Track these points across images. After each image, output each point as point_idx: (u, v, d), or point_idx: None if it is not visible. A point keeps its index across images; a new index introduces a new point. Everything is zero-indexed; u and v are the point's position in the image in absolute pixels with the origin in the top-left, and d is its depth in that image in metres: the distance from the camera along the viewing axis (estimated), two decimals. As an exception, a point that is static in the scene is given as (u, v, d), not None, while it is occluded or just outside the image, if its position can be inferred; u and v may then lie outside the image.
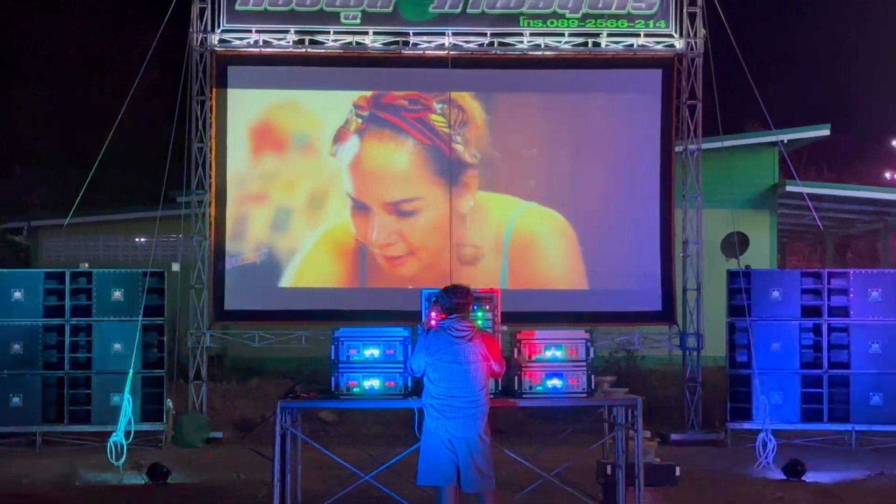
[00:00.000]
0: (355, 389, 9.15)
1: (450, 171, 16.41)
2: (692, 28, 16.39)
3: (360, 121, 16.60)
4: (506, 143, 16.88)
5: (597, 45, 16.52)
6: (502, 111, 16.98)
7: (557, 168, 16.97)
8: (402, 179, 16.69)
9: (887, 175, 32.91)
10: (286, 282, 16.64)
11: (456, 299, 8.70)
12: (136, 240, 23.12)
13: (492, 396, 8.81)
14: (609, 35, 16.46)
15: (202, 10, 16.22)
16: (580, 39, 16.51)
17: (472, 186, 16.65)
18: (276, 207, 16.72)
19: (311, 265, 16.70)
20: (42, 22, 37.38)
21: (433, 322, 8.91)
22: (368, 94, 16.69)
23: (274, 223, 16.69)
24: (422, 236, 16.61)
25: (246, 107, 16.74)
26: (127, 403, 13.62)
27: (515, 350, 9.33)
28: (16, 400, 14.72)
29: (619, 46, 16.55)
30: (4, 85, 36.35)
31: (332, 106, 16.89)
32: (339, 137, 16.61)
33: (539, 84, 16.93)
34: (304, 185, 16.76)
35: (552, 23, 16.44)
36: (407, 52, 16.59)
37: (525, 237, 16.75)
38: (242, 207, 16.61)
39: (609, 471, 9.73)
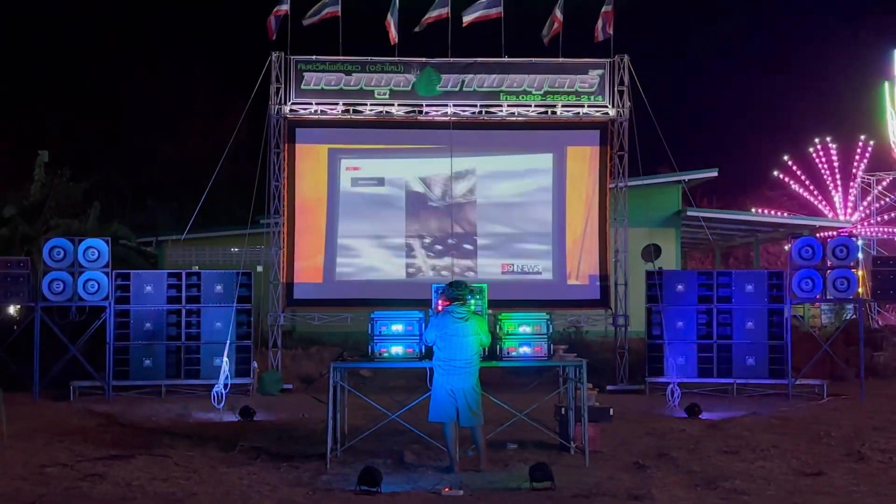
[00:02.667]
0: (385, 354, 9.12)
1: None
2: (620, 101, 16.41)
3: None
4: (490, 183, 16.95)
5: (554, 112, 16.55)
6: (488, 164, 17.04)
7: (529, 200, 16.95)
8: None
9: (755, 210, 32.97)
10: (338, 278, 16.64)
11: (457, 291, 8.73)
12: (232, 249, 23.10)
13: (481, 359, 8.83)
14: (563, 106, 16.49)
15: (277, 89, 16.27)
16: (542, 109, 16.53)
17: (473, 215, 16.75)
18: (331, 227, 16.71)
19: (352, 268, 16.71)
20: (169, 100, 37.79)
21: (440, 307, 8.93)
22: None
23: (329, 238, 16.69)
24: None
25: (309, 156, 16.74)
26: (225, 364, 13.68)
27: (497, 327, 9.32)
28: (147, 362, 14.75)
29: (570, 114, 16.57)
30: (143, 144, 36.66)
31: (368, 154, 16.93)
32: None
33: (513, 140, 16.95)
34: (351, 209, 16.80)
35: (523, 97, 16.46)
36: (421, 118, 16.62)
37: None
38: (306, 226, 16.60)
39: (563, 411, 9.73)
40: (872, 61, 31.44)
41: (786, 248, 27.97)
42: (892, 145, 28.08)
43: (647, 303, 15.16)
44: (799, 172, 33.14)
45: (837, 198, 32.35)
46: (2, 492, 7.66)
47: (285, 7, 16.30)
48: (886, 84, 26.96)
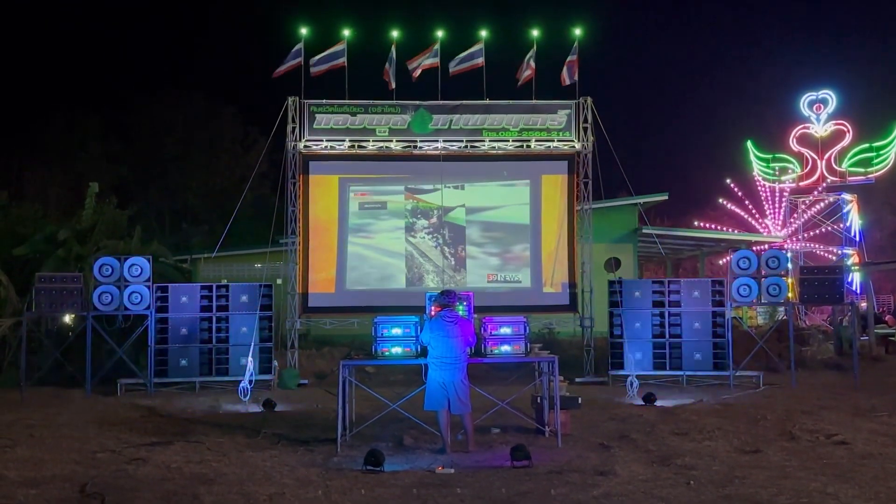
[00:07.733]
0: (387, 353, 9.11)
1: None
2: (585, 136, 16.49)
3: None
4: (476, 206, 16.98)
5: (528, 146, 16.61)
6: (474, 189, 17.06)
7: (508, 222, 16.98)
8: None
9: (700, 223, 33.18)
10: (346, 289, 16.61)
11: (447, 299, 8.75)
12: (255, 265, 23.07)
13: (468, 356, 8.83)
14: (536, 140, 16.56)
15: (293, 128, 16.29)
16: (519, 143, 16.59)
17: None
18: (341, 245, 16.69)
19: (358, 280, 16.70)
20: (201, 138, 37.77)
21: (433, 312, 8.93)
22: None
23: (339, 254, 16.68)
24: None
25: (323, 185, 16.75)
26: (250, 363, 13.63)
27: (482, 328, 9.33)
28: (183, 361, 14.69)
29: (542, 147, 16.63)
30: (179, 176, 36.57)
31: (372, 182, 16.95)
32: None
33: (495, 169, 16.98)
34: (358, 229, 16.78)
35: (502, 133, 16.54)
36: (416, 152, 16.65)
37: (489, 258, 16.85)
38: (320, 244, 16.58)
39: (539, 400, 9.72)
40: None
41: (724, 259, 28.15)
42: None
43: (610, 307, 15.16)
44: (739, 193, 33.37)
45: (769, 216, 32.53)
46: (60, 474, 7.63)
47: (298, 60, 16.39)
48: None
